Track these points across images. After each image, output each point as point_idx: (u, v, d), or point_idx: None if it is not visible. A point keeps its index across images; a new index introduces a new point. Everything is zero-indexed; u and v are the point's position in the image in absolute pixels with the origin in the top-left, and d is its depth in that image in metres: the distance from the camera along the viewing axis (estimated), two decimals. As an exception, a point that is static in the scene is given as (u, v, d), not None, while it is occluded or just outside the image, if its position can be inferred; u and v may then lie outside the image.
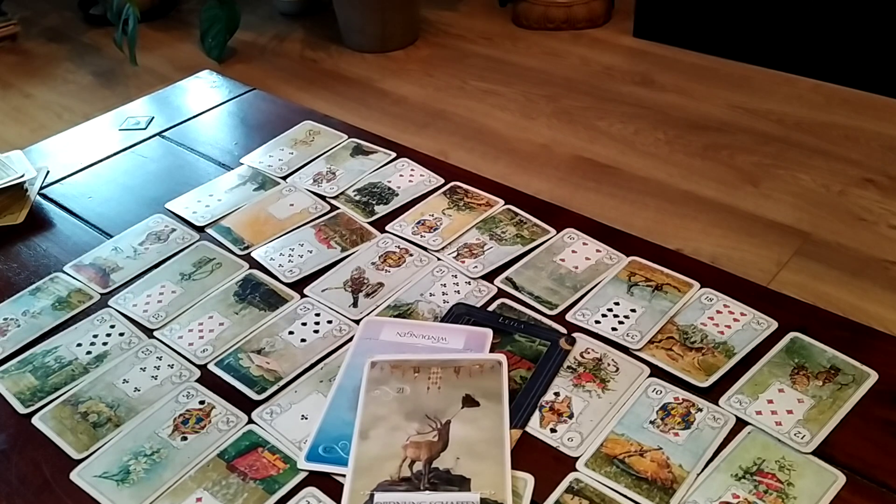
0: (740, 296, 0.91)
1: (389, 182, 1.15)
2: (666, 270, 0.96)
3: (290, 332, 0.91)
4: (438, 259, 1.01)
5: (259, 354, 0.89)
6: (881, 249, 1.82)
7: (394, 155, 1.21)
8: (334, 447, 0.77)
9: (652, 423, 0.78)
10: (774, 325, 0.88)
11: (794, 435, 0.76)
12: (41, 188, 1.19)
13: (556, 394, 0.82)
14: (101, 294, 1.00)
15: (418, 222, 1.07)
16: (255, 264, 1.02)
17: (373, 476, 0.74)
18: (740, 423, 0.78)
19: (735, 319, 0.89)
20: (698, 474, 0.73)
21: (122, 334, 0.93)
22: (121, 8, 2.57)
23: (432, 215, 1.08)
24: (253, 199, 1.14)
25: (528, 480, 0.73)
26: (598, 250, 1.00)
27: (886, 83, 2.34)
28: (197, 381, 0.87)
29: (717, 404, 0.80)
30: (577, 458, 0.75)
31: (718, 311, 0.90)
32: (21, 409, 0.85)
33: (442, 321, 0.91)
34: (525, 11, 2.93)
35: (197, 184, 1.18)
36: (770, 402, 0.79)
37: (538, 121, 2.40)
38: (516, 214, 1.07)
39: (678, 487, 0.72)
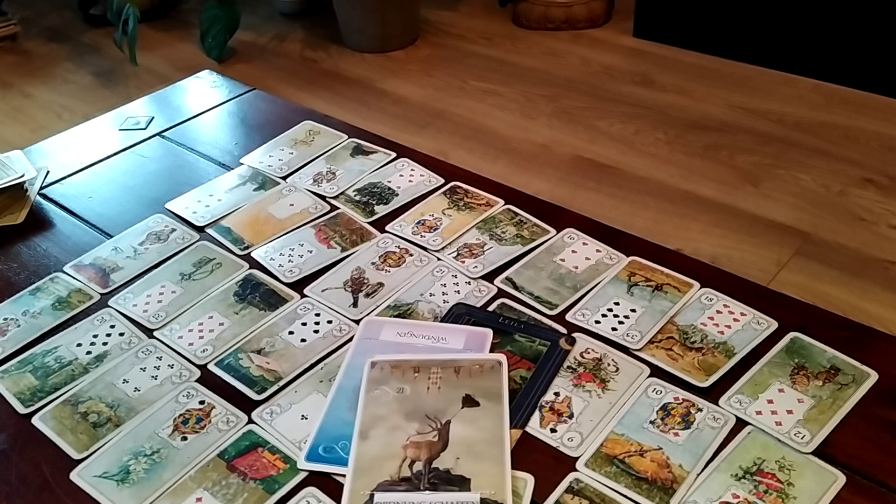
0: (740, 296, 0.91)
1: (389, 182, 1.15)
2: (666, 270, 0.96)
3: (290, 332, 0.91)
4: (438, 259, 1.01)
5: (259, 354, 0.89)
6: (881, 249, 1.82)
7: (394, 155, 1.21)
8: (334, 447, 0.77)
9: (652, 423, 0.78)
10: (774, 325, 0.88)
11: (794, 435, 0.76)
12: (41, 188, 1.19)
13: (556, 394, 0.82)
14: (101, 294, 1.00)
15: (418, 222, 1.07)
16: (255, 264, 1.02)
17: (373, 476, 0.74)
18: (740, 423, 0.78)
19: (735, 319, 0.89)
20: (698, 474, 0.73)
21: (122, 334, 0.93)
22: (121, 8, 2.57)
23: (432, 215, 1.08)
24: (253, 199, 1.14)
25: (528, 480, 0.73)
26: (598, 250, 1.00)
27: (886, 83, 2.34)
28: (197, 381, 0.87)
29: (717, 404, 0.80)
30: (577, 458, 0.75)
31: (718, 311, 0.90)
32: (21, 409, 0.85)
33: (442, 321, 0.91)
34: (525, 11, 2.93)
35: (197, 184, 1.18)
36: (770, 402, 0.79)
37: (538, 121, 2.40)
38: (516, 214, 1.07)
39: (678, 487, 0.72)
